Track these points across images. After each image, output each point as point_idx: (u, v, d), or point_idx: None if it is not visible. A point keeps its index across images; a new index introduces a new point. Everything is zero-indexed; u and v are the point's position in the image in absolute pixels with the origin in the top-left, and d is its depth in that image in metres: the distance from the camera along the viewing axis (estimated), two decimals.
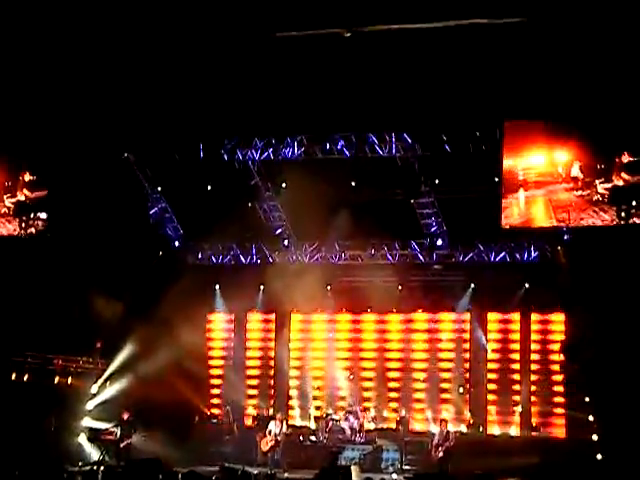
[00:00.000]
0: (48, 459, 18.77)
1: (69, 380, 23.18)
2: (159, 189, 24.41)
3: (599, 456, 19.98)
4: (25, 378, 21.94)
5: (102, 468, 19.15)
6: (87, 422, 23.26)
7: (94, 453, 22.47)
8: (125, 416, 22.09)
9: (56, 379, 22.93)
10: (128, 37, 19.25)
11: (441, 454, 20.97)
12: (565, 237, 21.50)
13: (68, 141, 21.89)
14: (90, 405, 23.51)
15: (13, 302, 21.59)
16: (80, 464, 20.73)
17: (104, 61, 20.22)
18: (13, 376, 21.86)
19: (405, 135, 21.81)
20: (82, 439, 22.98)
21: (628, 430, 19.18)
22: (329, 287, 25.30)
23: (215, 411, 25.98)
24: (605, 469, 19.42)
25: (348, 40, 18.99)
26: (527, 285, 23.68)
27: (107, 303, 22.31)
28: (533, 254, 23.16)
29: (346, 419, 23.85)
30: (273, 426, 22.55)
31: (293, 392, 26.12)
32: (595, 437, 20.36)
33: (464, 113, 20.36)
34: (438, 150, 21.50)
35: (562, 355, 22.14)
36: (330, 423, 24.07)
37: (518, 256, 23.36)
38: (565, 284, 21.41)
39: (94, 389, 23.68)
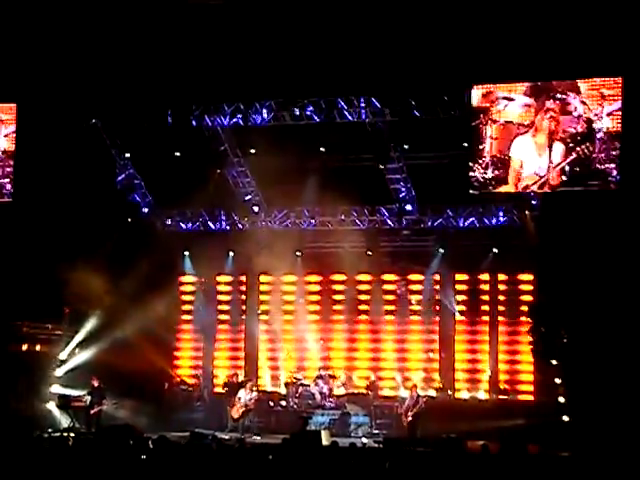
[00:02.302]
0: (17, 425, 18.74)
1: (37, 347, 23.12)
2: (127, 155, 24.23)
3: (566, 418, 20.24)
4: None
5: (72, 434, 19.19)
6: (56, 389, 23.22)
7: (64, 420, 22.45)
8: (95, 383, 22.06)
9: (24, 346, 22.88)
10: (98, 2, 19.09)
11: (410, 418, 21.12)
12: (533, 202, 21.66)
13: (36, 106, 21.68)
14: (59, 372, 23.47)
15: None
16: (49, 431, 20.72)
17: (73, 27, 20.03)
18: None
19: (374, 100, 21.76)
20: (51, 406, 22.94)
21: (594, 392, 19.41)
22: (299, 253, 25.32)
23: (185, 378, 26.01)
24: (572, 431, 19.68)
25: (316, 3, 18.90)
26: (495, 250, 23.82)
27: (76, 270, 22.20)
28: (501, 218, 23.28)
29: (316, 384, 23.96)
30: (243, 393, 22.61)
31: (263, 358, 26.18)
32: (562, 399, 20.61)
33: (433, 77, 20.31)
34: (407, 115, 21.47)
35: (530, 317, 22.33)
36: (300, 388, 24.17)
37: (487, 221, 23.48)
38: (533, 247, 21.58)
39: (63, 356, 23.64)
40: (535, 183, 20.03)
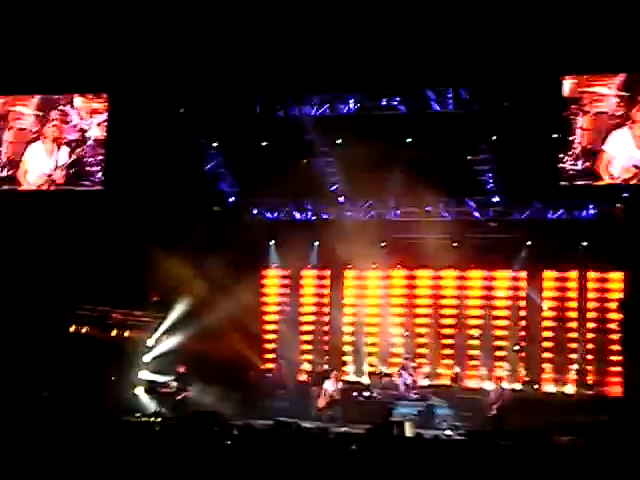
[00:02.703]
0: (105, 410, 19.11)
1: (126, 333, 23.52)
2: (215, 144, 24.44)
3: None
4: (84, 331, 22.29)
5: (159, 419, 19.50)
6: (144, 375, 23.60)
7: (151, 405, 22.83)
8: (181, 370, 22.35)
9: (114, 332, 23.30)
10: None
11: (495, 411, 20.93)
12: (624, 194, 21.21)
13: (127, 95, 22.03)
14: (147, 358, 23.85)
15: (72, 256, 21.89)
16: (137, 415, 21.07)
17: (162, 16, 20.28)
18: (72, 328, 22.22)
19: (462, 91, 21.56)
20: (139, 391, 23.33)
21: None
22: (384, 244, 25.23)
23: (270, 366, 26.18)
24: None
25: None
26: (585, 243, 23.40)
27: (164, 257, 22.51)
28: (591, 211, 22.86)
29: (400, 375, 23.89)
30: (329, 384, 22.66)
31: (347, 348, 26.20)
32: None
33: (522, 67, 20.05)
34: (495, 106, 21.23)
35: (620, 313, 21.92)
36: (384, 379, 24.13)
37: (576, 213, 23.08)
38: (624, 242, 21.16)
39: (151, 342, 24.00)
40: (634, 177, 19.63)
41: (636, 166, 19.53)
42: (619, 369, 23.16)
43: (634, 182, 19.68)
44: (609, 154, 19.64)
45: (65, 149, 22.75)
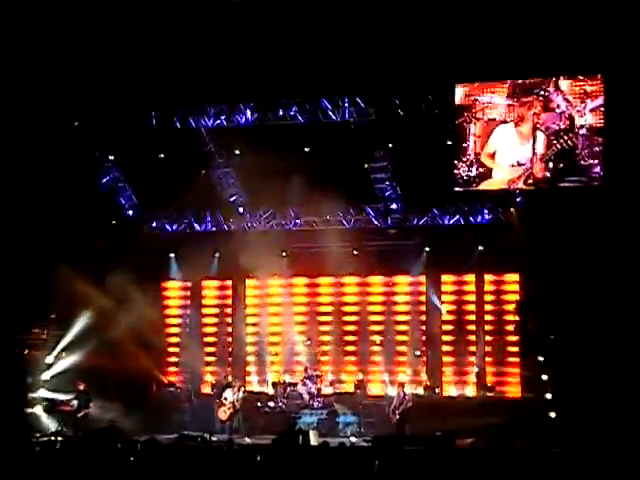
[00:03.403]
0: (5, 430, 18.67)
1: (24, 351, 23.01)
2: (111, 158, 24.17)
3: (552, 414, 20.31)
4: None
5: (60, 439, 19.14)
6: (43, 393, 23.13)
7: (51, 424, 22.39)
8: (81, 387, 21.99)
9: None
10: (82, 3, 19.04)
11: (398, 417, 21.16)
12: (517, 199, 21.72)
13: (18, 109, 21.59)
14: (46, 376, 23.39)
15: None
16: (37, 435, 20.65)
17: (56, 28, 19.96)
18: None
19: (358, 100, 21.79)
20: (38, 410, 22.85)
21: (580, 388, 19.50)
22: (284, 253, 25.31)
23: (172, 379, 25.96)
24: (558, 426, 19.76)
25: (300, 3, 18.90)
26: (481, 247, 23.87)
27: (61, 273, 22.12)
28: (486, 216, 23.33)
29: (303, 384, 23.96)
30: (229, 393, 22.59)
31: (250, 358, 26.16)
32: (549, 396, 20.69)
33: (416, 76, 20.37)
34: (391, 114, 21.52)
35: (516, 315, 22.39)
36: (287, 388, 24.17)
37: (472, 219, 23.53)
38: (518, 245, 21.65)
39: (49, 360, 23.55)
40: (520, 177, 20.11)
41: (519, 163, 20.02)
42: (517, 370, 23.64)
43: (523, 186, 20.16)
44: (496, 150, 20.09)
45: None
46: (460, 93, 20.54)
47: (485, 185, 20.69)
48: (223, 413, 22.39)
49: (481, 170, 20.51)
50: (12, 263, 21.75)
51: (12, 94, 21.35)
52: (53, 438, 19.47)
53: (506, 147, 20.31)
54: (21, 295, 21.75)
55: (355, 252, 24.79)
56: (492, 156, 20.51)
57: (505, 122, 20.32)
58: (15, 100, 21.49)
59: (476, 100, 20.52)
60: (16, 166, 21.80)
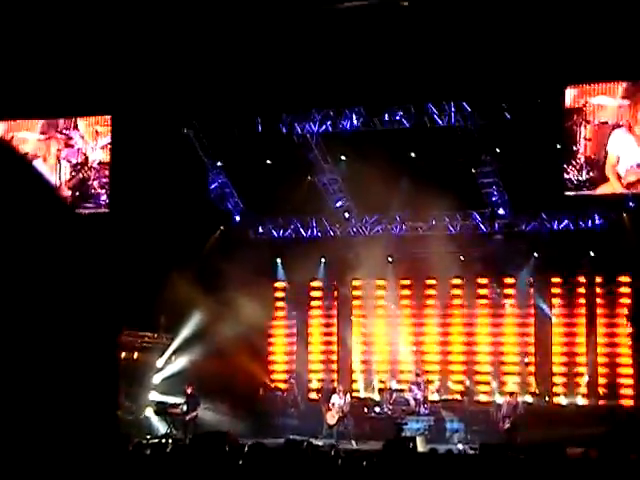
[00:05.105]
0: (117, 432, 19.03)
1: (135, 355, 23.48)
2: (219, 164, 24.48)
3: None
4: None
5: (170, 441, 19.45)
6: (154, 396, 23.56)
7: (161, 426, 22.78)
8: (189, 390, 22.32)
9: (122, 354, 23.23)
10: (186, 13, 19.33)
11: (509, 425, 20.83)
12: (630, 203, 21.18)
13: (130, 118, 22.08)
14: (156, 379, 23.81)
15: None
16: (148, 437, 21.02)
17: (164, 37, 20.34)
18: None
19: (464, 104, 21.59)
20: (149, 412, 23.28)
21: None
22: (390, 259, 25.21)
23: (279, 384, 26.13)
24: None
25: (406, 9, 18.82)
26: (592, 253, 23.33)
27: (170, 279, 22.50)
28: (597, 221, 22.80)
29: (410, 390, 23.82)
30: (337, 399, 22.60)
31: (356, 364, 26.13)
32: None
33: (524, 79, 20.08)
34: (498, 118, 21.26)
35: (629, 322, 21.83)
36: (394, 394, 24.07)
37: (582, 224, 23.03)
38: (631, 250, 21.11)
39: (160, 363, 23.97)
40: (638, 182, 19.59)
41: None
42: (630, 378, 23.03)
43: (627, 191, 19.67)
44: (612, 157, 19.61)
45: None
46: (570, 95, 20.14)
47: (599, 190, 20.22)
48: (331, 418, 22.41)
49: (592, 174, 20.06)
50: (125, 268, 22.19)
51: (125, 104, 21.85)
52: (164, 440, 19.77)
53: (624, 151, 19.79)
54: (133, 299, 22.19)
55: (461, 258, 24.54)
56: (611, 160, 19.96)
57: (618, 125, 19.84)
58: (128, 110, 22.00)
59: (587, 102, 20.11)
60: (129, 173, 22.30)
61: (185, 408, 22.15)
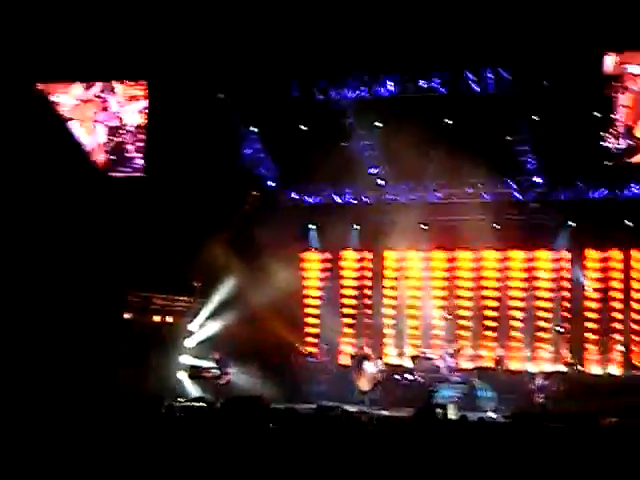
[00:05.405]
0: (149, 394, 19.21)
1: (169, 318, 23.65)
2: (254, 129, 24.44)
3: None
4: (127, 316, 22.43)
5: (202, 404, 19.60)
6: (187, 359, 23.73)
7: (194, 389, 22.96)
8: (216, 356, 22.45)
9: (156, 317, 23.43)
10: None
11: (543, 395, 20.77)
12: None
13: (166, 83, 22.11)
14: (189, 343, 23.97)
15: (111, 243, 22.02)
16: (180, 400, 21.20)
17: (199, 3, 20.30)
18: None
19: (501, 71, 21.36)
20: (182, 376, 23.47)
21: None
22: (424, 226, 25.11)
23: (311, 350, 26.20)
24: None
25: None
26: (629, 222, 23.10)
27: (204, 243, 22.57)
28: (635, 190, 22.54)
29: (442, 358, 23.81)
30: (369, 366, 22.63)
31: (388, 330, 26.12)
32: None
33: (562, 46, 19.81)
34: (536, 86, 21.02)
35: None
36: (426, 362, 24.06)
37: (619, 193, 22.77)
38: None
39: (193, 327, 24.12)
40: None
41: None
42: None
43: None
44: None
45: None
46: (609, 62, 19.85)
47: (636, 158, 19.99)
48: (365, 384, 22.46)
49: (631, 143, 19.80)
50: (158, 233, 22.31)
51: (160, 69, 21.88)
52: (196, 403, 19.94)
53: None
54: (168, 264, 22.32)
55: (496, 226, 24.38)
56: None
57: None
58: (163, 75, 22.02)
59: (626, 69, 19.82)
60: (164, 138, 22.35)
61: (218, 372, 22.30)
